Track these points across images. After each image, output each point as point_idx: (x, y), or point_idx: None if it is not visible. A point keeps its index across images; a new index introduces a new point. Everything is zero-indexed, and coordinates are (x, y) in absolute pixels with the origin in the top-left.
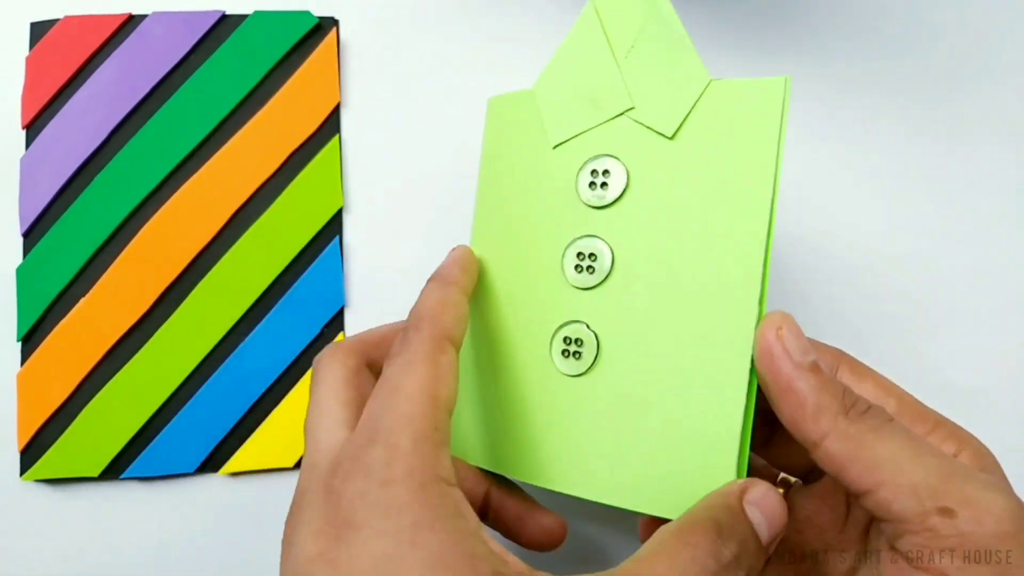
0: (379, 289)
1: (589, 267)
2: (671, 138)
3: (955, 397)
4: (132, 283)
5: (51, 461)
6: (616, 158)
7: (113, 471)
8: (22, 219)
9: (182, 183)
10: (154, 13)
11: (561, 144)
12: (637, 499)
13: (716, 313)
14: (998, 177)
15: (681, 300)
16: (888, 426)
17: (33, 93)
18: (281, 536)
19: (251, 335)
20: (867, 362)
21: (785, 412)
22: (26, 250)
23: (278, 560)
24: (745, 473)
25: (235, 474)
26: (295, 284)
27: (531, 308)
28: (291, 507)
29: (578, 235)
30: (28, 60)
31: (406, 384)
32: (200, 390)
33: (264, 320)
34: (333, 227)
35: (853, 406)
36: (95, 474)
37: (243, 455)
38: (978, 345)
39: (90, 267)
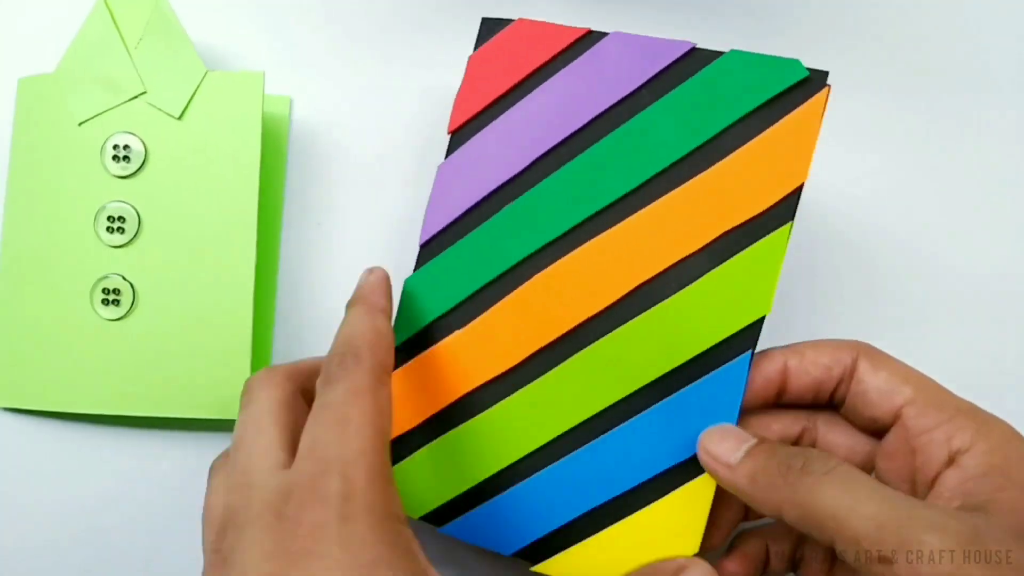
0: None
1: (119, 228)
2: (179, 119)
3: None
4: (510, 330)
5: None
6: (134, 134)
7: (437, 518)
8: (424, 228)
9: (599, 231)
10: (615, 33)
11: (86, 121)
12: (175, 407)
13: (224, 259)
14: (1002, 175)
15: (197, 251)
16: (826, 479)
17: (468, 97)
18: None
19: (625, 424)
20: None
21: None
22: (419, 262)
23: None
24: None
25: None
26: (689, 386)
27: (69, 267)
28: (220, 520)
29: (107, 200)
30: (472, 59)
31: (354, 416)
32: (549, 466)
33: (642, 414)
34: (749, 335)
35: (788, 468)
36: (415, 516)
37: (564, 559)
38: (981, 342)
39: (473, 300)
